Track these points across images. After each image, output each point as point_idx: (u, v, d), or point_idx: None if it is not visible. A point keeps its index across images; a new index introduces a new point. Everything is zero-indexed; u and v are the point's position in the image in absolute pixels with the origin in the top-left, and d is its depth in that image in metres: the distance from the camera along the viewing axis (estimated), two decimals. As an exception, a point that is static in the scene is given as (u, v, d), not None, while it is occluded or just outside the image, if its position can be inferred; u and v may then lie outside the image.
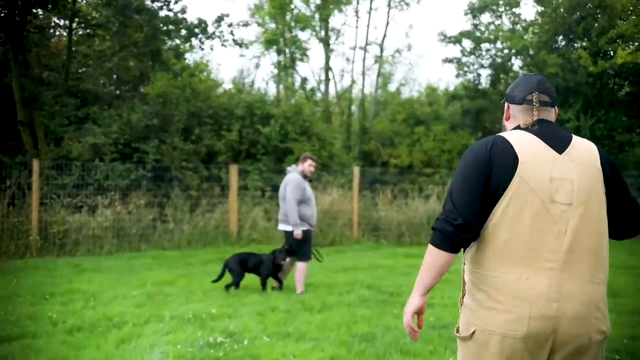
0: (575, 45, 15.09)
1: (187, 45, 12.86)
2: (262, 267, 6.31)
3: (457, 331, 1.91)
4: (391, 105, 17.11)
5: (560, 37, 15.48)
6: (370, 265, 8.19)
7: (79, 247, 9.12)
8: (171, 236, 10.17)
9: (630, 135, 14.77)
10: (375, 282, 6.73)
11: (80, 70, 12.65)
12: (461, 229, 1.76)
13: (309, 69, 20.53)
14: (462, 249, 1.86)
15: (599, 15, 14.47)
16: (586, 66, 13.85)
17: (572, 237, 1.77)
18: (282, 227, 6.33)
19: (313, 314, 5.19)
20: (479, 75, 16.11)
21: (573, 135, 1.91)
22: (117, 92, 12.58)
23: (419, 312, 1.89)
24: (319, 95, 14.96)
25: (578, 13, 14.74)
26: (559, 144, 1.85)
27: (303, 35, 14.48)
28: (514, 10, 16.15)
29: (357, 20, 16.90)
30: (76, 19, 11.76)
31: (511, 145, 1.82)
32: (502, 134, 1.90)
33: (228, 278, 6.27)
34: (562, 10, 15.08)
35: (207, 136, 11.94)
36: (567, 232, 1.77)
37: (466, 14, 15.77)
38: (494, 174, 1.79)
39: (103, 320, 4.66)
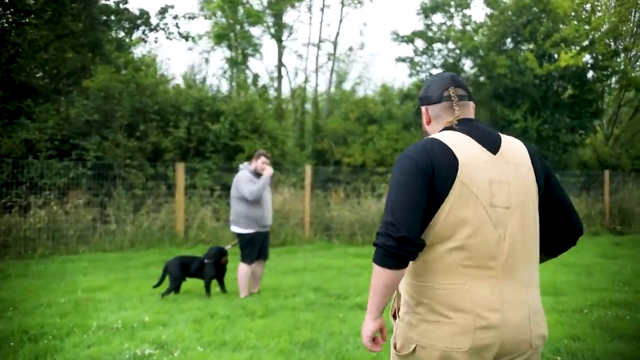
0: (522, 47, 15.40)
1: (130, 37, 12.27)
2: (205, 269, 5.99)
3: (395, 347, 1.77)
4: (345, 104, 17.00)
5: (509, 40, 15.78)
6: (320, 266, 7.99)
7: (8, 250, 8.49)
8: (113, 237, 9.66)
9: (573, 136, 15.23)
10: (322, 284, 6.52)
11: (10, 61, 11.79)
12: (404, 242, 1.61)
13: (261, 66, 20.20)
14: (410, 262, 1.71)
15: (544, 19, 14.83)
16: (532, 68, 14.16)
17: (510, 242, 1.69)
18: (233, 228, 6.04)
19: (254, 319, 4.93)
20: (431, 75, 16.20)
21: (499, 133, 1.83)
22: (55, 85, 11.85)
23: (380, 329, 1.79)
24: (271, 92, 14.66)
25: (524, 16, 15.06)
26: (492, 145, 1.76)
27: (255, 31, 14.19)
28: (464, 11, 16.35)
29: (310, 17, 16.74)
30: (4, 4, 10.93)
31: (449, 148, 1.70)
32: (434, 136, 1.76)
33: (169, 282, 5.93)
34: (509, 13, 15.37)
35: (153, 133, 11.44)
36: (506, 237, 1.69)
37: (418, 13, 15.85)
38: (436, 178, 1.66)
39: (18, 333, 4.23)
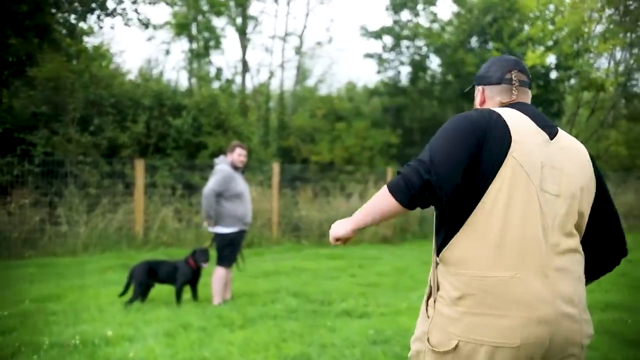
0: (489, 46, 15.41)
1: (84, 21, 11.35)
2: (178, 274, 5.40)
3: (429, 342, 1.61)
4: (310, 100, 16.56)
5: (474, 38, 15.77)
6: (293, 269, 7.49)
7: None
8: (64, 240, 8.83)
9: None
10: (301, 289, 6.03)
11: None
12: (427, 187, 1.50)
13: (222, 60, 19.43)
14: (420, 207, 1.58)
15: (510, 18, 14.87)
16: (500, 67, 14.13)
17: (556, 234, 1.58)
18: (213, 228, 5.47)
19: (234, 330, 4.39)
20: (399, 72, 16.02)
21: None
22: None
23: (348, 238, 1.72)
24: (235, 87, 14.03)
25: (491, 15, 15.06)
26: (550, 129, 1.68)
27: (218, 22, 13.49)
28: (431, 8, 16.23)
29: (276, 10, 16.15)
30: None
31: (504, 121, 1.60)
32: (495, 108, 1.67)
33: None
34: (476, 11, 15.34)
35: (108, 127, 10.61)
36: (552, 227, 1.57)
37: (387, 9, 15.59)
38: (485, 149, 1.56)
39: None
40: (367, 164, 13.44)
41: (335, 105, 14.93)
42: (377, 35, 15.54)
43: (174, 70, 17.35)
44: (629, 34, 16.83)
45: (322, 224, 11.04)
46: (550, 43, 14.31)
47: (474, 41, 15.69)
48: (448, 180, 1.51)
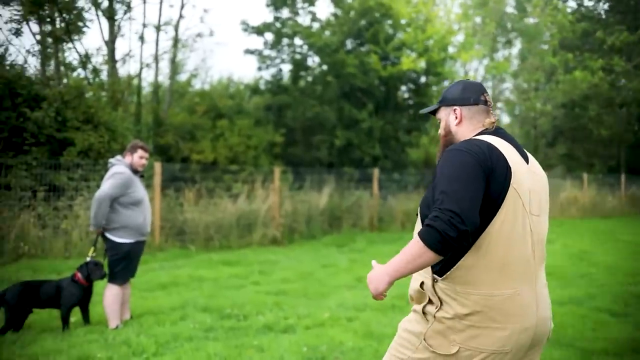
0: (365, 48, 15.92)
1: None
2: (64, 294, 4.56)
3: (427, 342, 1.76)
4: (188, 95, 15.63)
5: (350, 40, 16.17)
6: (190, 278, 6.89)
7: None
8: None
9: (410, 137, 16.29)
10: (208, 302, 5.52)
11: None
12: (464, 236, 1.60)
13: (88, 46, 17.49)
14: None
15: (384, 23, 15.53)
16: (377, 70, 14.70)
17: (539, 247, 1.80)
18: (108, 233, 4.71)
19: (148, 360, 3.80)
20: (280, 70, 15.82)
21: None
22: None
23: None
24: (104, 78, 12.63)
25: (367, 19, 15.56)
26: (524, 155, 1.86)
27: (80, 2, 11.95)
28: (309, 8, 16.29)
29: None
30: None
31: (501, 153, 1.74)
32: (482, 138, 1.80)
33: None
34: (353, 14, 15.75)
35: (-55, 119, 8.86)
36: (536, 242, 1.79)
37: (268, 5, 15.29)
38: (491, 182, 1.69)
39: None
40: (252, 164, 13.04)
41: (216, 102, 14.25)
42: (259, 31, 15.17)
43: (24, 55, 15.07)
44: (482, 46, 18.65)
45: (209, 227, 10.45)
46: (420, 50, 15.22)
47: (350, 43, 16.08)
48: (476, 223, 1.62)
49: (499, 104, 21.53)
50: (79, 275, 4.67)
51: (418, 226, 1.84)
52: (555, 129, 20.12)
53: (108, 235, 4.71)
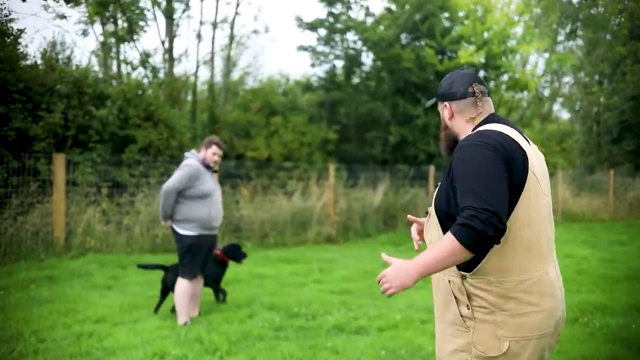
0: (419, 43, 15.53)
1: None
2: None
3: (478, 350, 1.72)
4: (241, 92, 15.74)
5: (404, 34, 15.82)
6: (251, 275, 6.86)
7: None
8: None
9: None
10: (274, 299, 5.44)
11: None
12: (501, 234, 1.61)
13: (148, 45, 17.97)
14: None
15: (442, 16, 15.11)
16: (433, 64, 14.31)
17: (551, 226, 1.85)
18: (173, 225, 4.76)
19: (223, 359, 3.74)
20: (334, 66, 15.68)
21: None
22: None
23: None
24: (161, 76, 12.88)
25: (423, 12, 15.18)
26: (525, 137, 1.88)
27: (141, 2, 12.23)
28: (363, 3, 16.06)
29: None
30: None
31: (515, 140, 1.76)
32: (490, 127, 1.81)
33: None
34: (408, 7, 15.40)
35: (17, 117, 9.19)
36: (551, 219, 1.85)
37: (321, 1, 15.18)
38: (513, 172, 1.71)
39: None
40: (306, 161, 12.97)
41: (269, 99, 14.27)
42: (312, 26, 15.08)
43: (88, 56, 15.63)
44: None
45: (264, 224, 10.45)
46: (479, 42, 14.71)
47: (404, 38, 15.75)
48: (506, 219, 1.65)
49: (559, 99, 20.62)
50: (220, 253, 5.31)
51: (431, 223, 1.83)
52: (621, 124, 19.04)
53: (174, 226, 4.73)
